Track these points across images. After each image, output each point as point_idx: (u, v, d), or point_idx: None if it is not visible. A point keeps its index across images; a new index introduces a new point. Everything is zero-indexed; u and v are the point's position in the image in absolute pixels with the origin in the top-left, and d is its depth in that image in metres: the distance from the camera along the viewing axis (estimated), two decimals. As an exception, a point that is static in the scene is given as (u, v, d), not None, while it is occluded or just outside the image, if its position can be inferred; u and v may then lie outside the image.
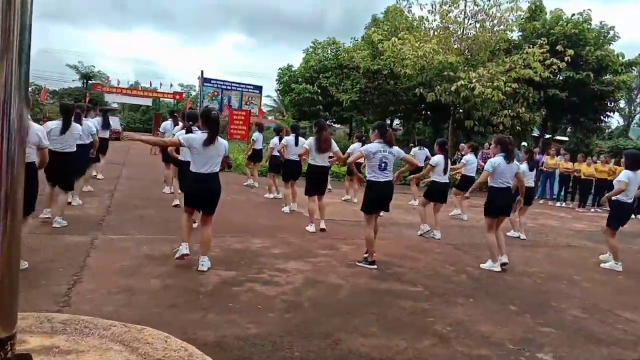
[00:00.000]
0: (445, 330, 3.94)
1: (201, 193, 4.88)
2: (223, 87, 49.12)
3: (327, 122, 31.81)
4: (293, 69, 33.08)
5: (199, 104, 39.47)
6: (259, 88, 39.43)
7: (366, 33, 24.72)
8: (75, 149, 6.46)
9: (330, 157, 7.41)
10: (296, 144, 8.37)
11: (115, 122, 8.51)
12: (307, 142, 7.46)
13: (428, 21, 18.00)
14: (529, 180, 8.16)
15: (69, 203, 7.18)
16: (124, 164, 14.72)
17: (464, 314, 4.35)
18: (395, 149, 5.68)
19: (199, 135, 4.82)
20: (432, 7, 17.51)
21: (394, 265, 5.82)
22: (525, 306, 4.70)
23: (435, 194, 7.74)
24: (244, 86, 49.87)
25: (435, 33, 17.66)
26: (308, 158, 7.35)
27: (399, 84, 21.39)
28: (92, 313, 3.55)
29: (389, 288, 4.94)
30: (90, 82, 42.18)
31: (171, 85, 43.72)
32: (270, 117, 58.14)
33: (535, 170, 9.03)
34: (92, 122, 8.16)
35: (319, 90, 30.07)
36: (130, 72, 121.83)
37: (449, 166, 7.63)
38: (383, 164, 5.57)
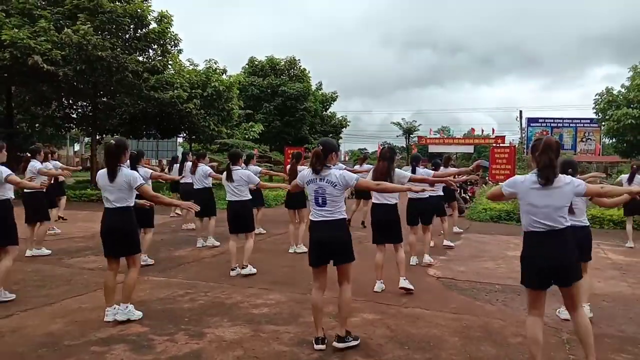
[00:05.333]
0: None
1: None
2: (553, 125, 44.39)
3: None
4: (613, 92, 26.84)
5: (525, 147, 36.45)
6: (598, 121, 33.63)
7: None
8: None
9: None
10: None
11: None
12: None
13: None
14: None
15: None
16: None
17: None
18: (335, 174, 3.65)
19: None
20: None
21: (375, 353, 3.60)
22: None
23: None
24: (579, 121, 43.62)
25: None
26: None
27: None
28: None
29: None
30: (412, 135, 45.33)
31: (493, 131, 42.26)
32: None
33: None
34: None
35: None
36: (493, 122, 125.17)
37: None
38: (320, 198, 3.66)
